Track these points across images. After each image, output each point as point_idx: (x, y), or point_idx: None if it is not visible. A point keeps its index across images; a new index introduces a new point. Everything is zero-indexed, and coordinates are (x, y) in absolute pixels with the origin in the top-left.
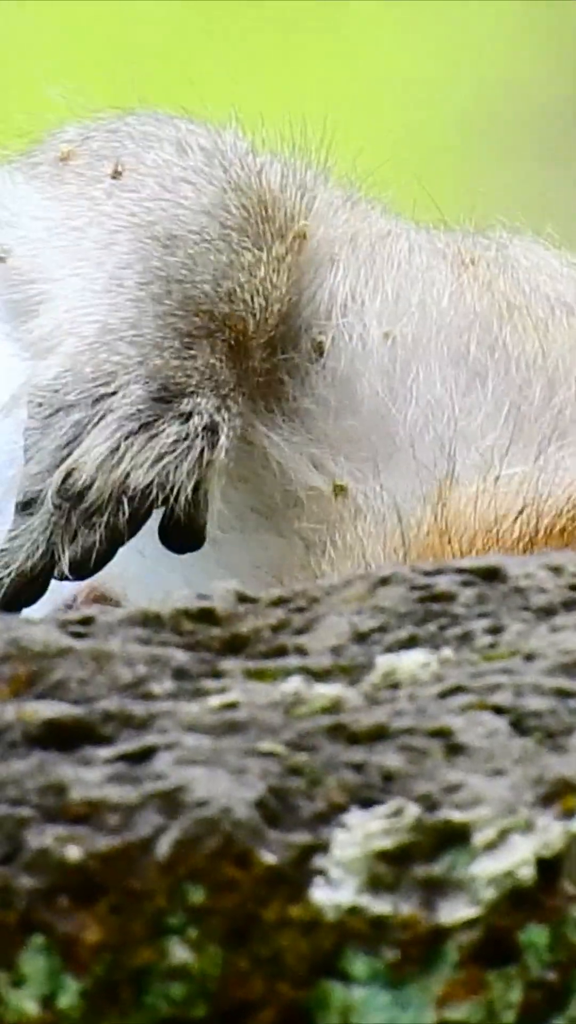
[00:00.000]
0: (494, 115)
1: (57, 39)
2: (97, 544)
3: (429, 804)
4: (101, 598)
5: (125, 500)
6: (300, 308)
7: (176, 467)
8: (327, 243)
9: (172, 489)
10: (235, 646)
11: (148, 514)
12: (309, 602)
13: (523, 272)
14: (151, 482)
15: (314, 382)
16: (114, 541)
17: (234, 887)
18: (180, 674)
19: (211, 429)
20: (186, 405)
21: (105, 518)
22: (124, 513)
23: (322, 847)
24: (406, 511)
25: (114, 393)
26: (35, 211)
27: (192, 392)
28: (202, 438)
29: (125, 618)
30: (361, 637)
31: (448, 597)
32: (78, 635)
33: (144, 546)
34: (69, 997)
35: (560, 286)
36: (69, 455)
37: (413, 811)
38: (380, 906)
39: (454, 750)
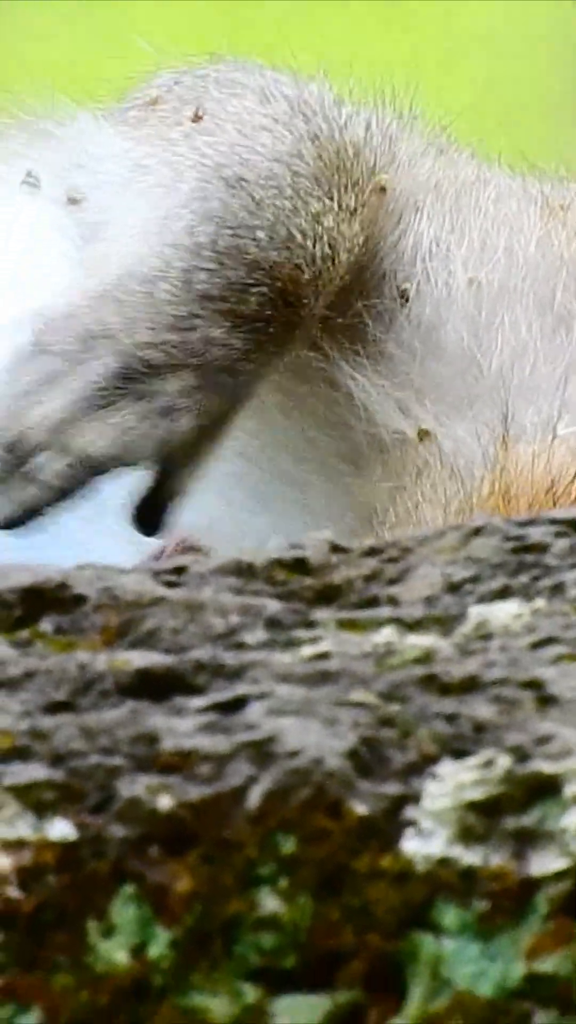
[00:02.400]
0: None
1: None
2: (37, 500)
3: (520, 755)
4: (189, 549)
5: (79, 465)
6: (383, 255)
7: (137, 445)
8: (411, 191)
9: (132, 465)
10: (327, 596)
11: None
12: (402, 552)
13: None
14: (109, 455)
15: (399, 328)
16: (56, 499)
17: (325, 838)
18: (272, 624)
19: (168, 413)
20: (149, 386)
21: (54, 479)
22: (76, 477)
23: (413, 798)
24: (490, 458)
25: (90, 359)
26: (113, 153)
27: (164, 372)
28: (161, 420)
29: (218, 568)
30: (453, 588)
31: (541, 548)
32: (171, 584)
33: (231, 495)
34: (159, 947)
35: None
36: (29, 408)
37: (504, 762)
38: (471, 857)
39: (545, 701)
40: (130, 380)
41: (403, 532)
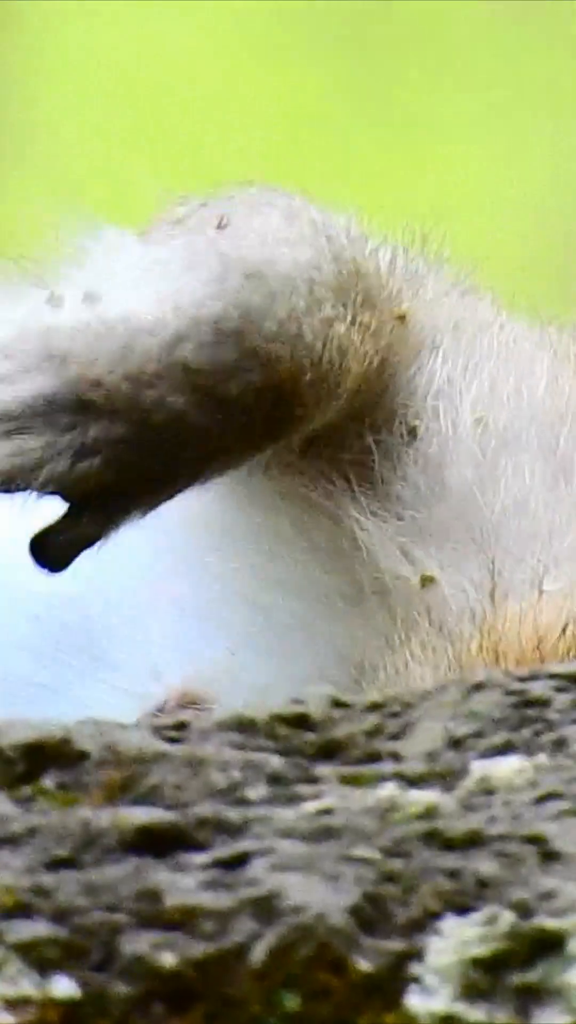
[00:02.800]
0: None
1: (172, 124)
2: None
3: (524, 911)
4: (192, 701)
5: None
6: (398, 390)
7: (29, 470)
8: (431, 329)
9: (20, 488)
10: (330, 751)
11: None
12: (403, 707)
13: None
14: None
15: (406, 466)
16: None
17: (329, 994)
18: (275, 779)
19: (77, 452)
20: (74, 420)
21: None
22: None
23: (417, 954)
24: (479, 614)
25: (34, 375)
26: (134, 258)
27: (97, 414)
28: (65, 455)
29: (219, 723)
30: (456, 743)
31: (542, 702)
32: (172, 740)
33: (235, 645)
34: None
35: None
36: None
37: (508, 918)
38: (475, 1014)
39: (549, 856)
40: (58, 409)
41: (404, 687)
